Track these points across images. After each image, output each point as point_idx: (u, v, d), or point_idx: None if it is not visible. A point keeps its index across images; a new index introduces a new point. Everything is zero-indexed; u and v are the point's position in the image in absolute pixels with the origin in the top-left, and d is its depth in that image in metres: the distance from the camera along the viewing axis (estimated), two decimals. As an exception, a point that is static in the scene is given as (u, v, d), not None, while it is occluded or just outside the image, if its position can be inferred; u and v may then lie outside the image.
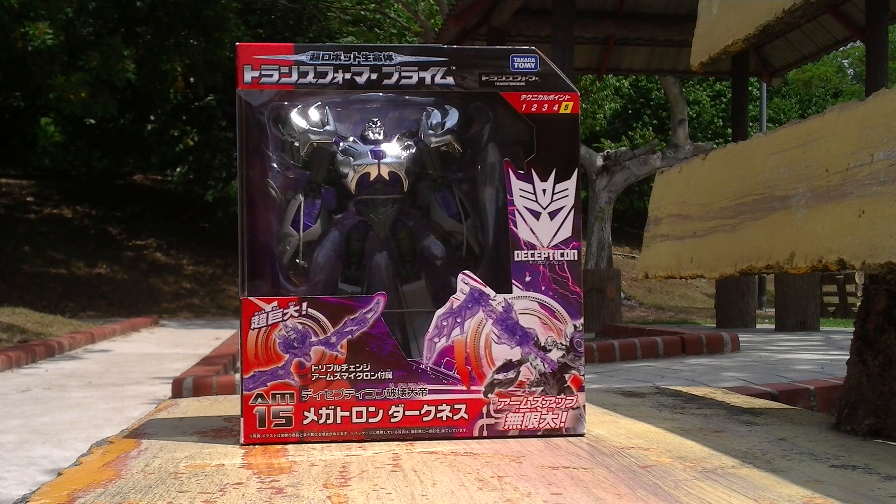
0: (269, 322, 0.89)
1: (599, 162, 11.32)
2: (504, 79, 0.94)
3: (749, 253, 1.08)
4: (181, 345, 7.79)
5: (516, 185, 0.93)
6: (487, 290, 0.92)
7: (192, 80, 13.34)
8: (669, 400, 1.21)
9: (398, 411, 0.90)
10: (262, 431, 0.89)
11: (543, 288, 0.93)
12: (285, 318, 0.89)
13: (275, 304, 0.89)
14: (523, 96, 0.94)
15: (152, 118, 15.52)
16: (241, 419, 0.89)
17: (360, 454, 0.84)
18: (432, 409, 0.91)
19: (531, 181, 0.93)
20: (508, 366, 0.92)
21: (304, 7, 15.83)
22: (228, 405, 1.17)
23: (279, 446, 0.89)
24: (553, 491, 0.69)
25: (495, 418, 0.92)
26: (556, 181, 0.94)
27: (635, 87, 18.68)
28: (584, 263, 9.45)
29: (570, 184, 0.94)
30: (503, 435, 0.92)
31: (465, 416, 0.91)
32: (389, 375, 0.90)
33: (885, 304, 1.00)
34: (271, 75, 0.92)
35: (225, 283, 14.10)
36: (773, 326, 8.25)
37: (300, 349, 0.89)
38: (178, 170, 15.63)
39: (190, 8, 12.55)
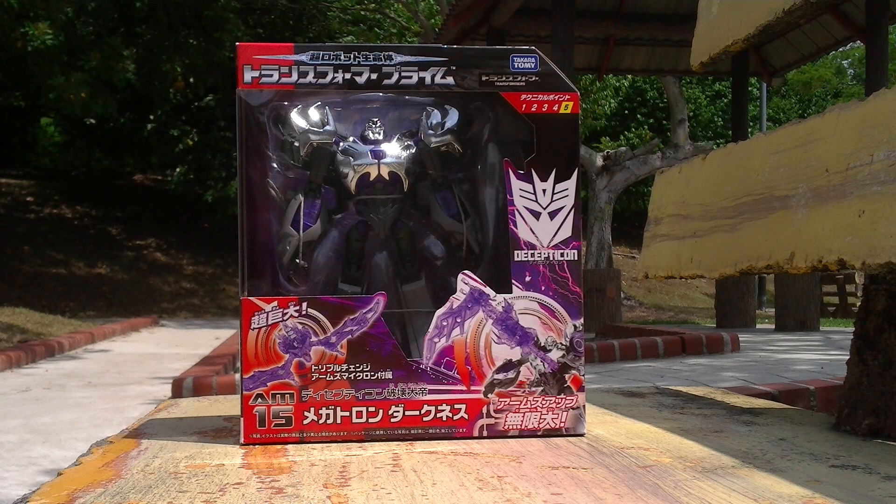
0: (269, 322, 0.89)
1: (599, 162, 11.32)
2: (504, 79, 0.94)
3: (749, 253, 1.08)
4: (181, 345, 7.79)
5: (516, 185, 0.93)
6: (487, 290, 0.92)
7: (192, 80, 13.33)
8: (669, 400, 1.21)
9: (398, 411, 0.90)
10: (262, 431, 0.89)
11: (543, 288, 0.93)
12: (285, 318, 0.89)
13: (275, 304, 0.89)
14: (523, 96, 0.94)
15: (152, 118, 15.51)
16: (241, 419, 0.89)
17: (360, 454, 0.84)
18: (432, 409, 0.91)
19: (531, 181, 0.93)
20: (508, 366, 0.92)
21: (304, 7, 15.82)
22: (228, 405, 1.17)
23: (279, 446, 0.89)
24: (553, 491, 0.69)
25: (495, 418, 0.92)
26: (556, 181, 0.94)
27: (632, 86, 18.68)
28: (584, 263, 9.46)
29: (570, 184, 0.94)
30: (503, 435, 0.92)
31: (465, 416, 0.91)
32: (389, 375, 0.90)
33: (885, 304, 1.00)
34: (271, 75, 0.92)
35: (225, 283, 14.10)
36: (773, 326, 8.25)
37: (300, 349, 0.89)
38: (177, 170, 15.61)
39: (190, 8, 12.54)
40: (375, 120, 0.95)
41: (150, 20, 12.62)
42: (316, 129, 0.94)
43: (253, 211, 0.92)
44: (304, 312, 0.89)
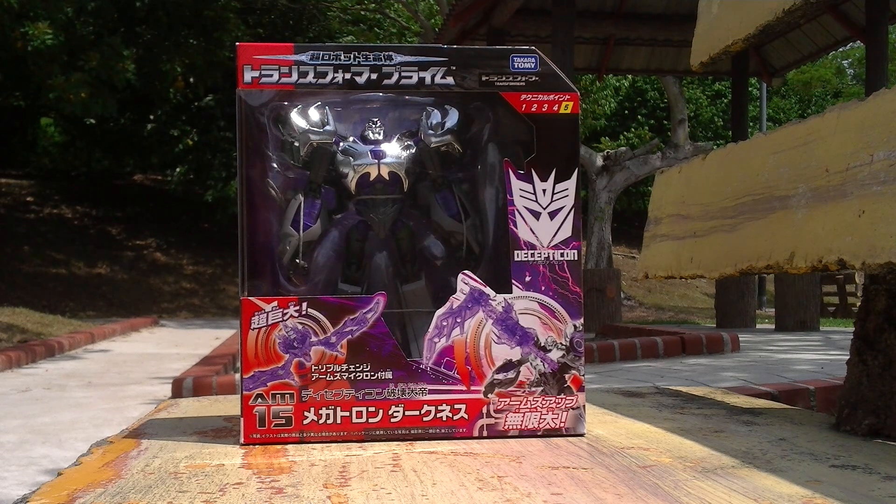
0: (269, 322, 0.89)
1: (599, 162, 11.32)
2: (504, 79, 0.94)
3: (749, 253, 1.08)
4: (181, 345, 7.79)
5: (516, 185, 0.93)
6: (487, 290, 0.92)
7: (192, 80, 13.33)
8: (669, 400, 1.21)
9: (398, 411, 0.90)
10: (262, 431, 0.89)
11: (543, 288, 0.93)
12: (285, 318, 0.89)
13: (275, 304, 0.89)
14: (523, 96, 0.94)
15: (152, 118, 15.51)
16: (241, 419, 0.89)
17: (360, 454, 0.84)
18: (432, 409, 0.91)
19: (531, 181, 0.93)
20: (508, 366, 0.92)
21: (304, 7, 15.82)
22: (228, 405, 1.17)
23: (279, 446, 0.89)
24: (553, 491, 0.69)
25: (495, 418, 0.92)
26: (556, 181, 0.94)
27: (632, 86, 18.68)
28: (584, 263, 9.46)
29: (570, 184, 0.94)
30: (503, 435, 0.92)
31: (465, 416, 0.91)
32: (389, 375, 0.90)
33: (885, 304, 1.00)
34: (271, 75, 0.92)
35: (225, 283, 14.10)
36: (773, 326, 8.25)
37: (300, 349, 0.89)
38: (177, 170, 15.62)
39: (190, 8, 12.54)
40: (375, 120, 0.95)
41: (150, 20, 12.62)
42: (316, 129, 0.94)
43: (253, 211, 0.92)
44: (304, 312, 0.89)
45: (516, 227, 0.93)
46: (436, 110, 0.96)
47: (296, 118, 0.94)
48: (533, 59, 0.95)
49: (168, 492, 0.70)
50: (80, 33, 10.95)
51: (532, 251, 0.93)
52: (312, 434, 0.90)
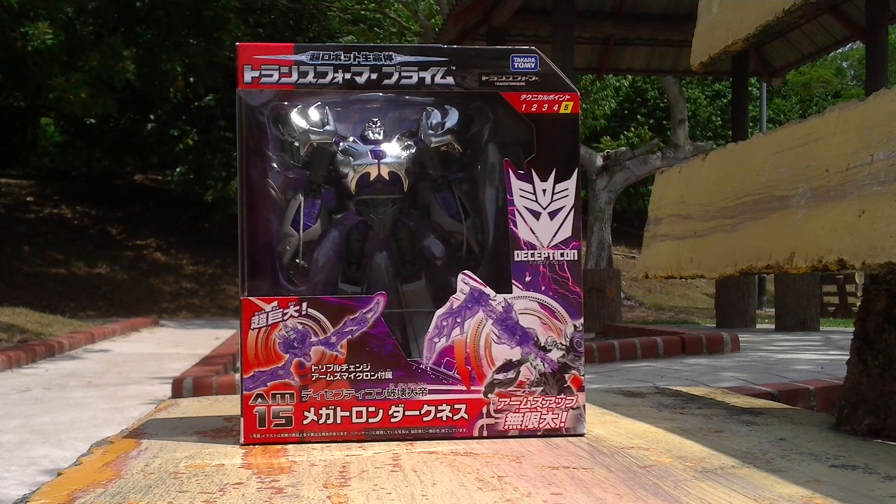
0: (269, 322, 0.89)
1: (599, 162, 11.32)
2: (504, 79, 0.94)
3: (749, 253, 1.08)
4: (181, 345, 7.79)
5: (516, 185, 0.93)
6: (487, 290, 0.92)
7: (192, 80, 13.33)
8: (669, 400, 1.21)
9: (398, 411, 0.90)
10: (262, 431, 0.89)
11: (543, 288, 0.93)
12: (285, 318, 0.89)
13: (275, 304, 0.89)
14: (523, 96, 0.94)
15: (152, 118, 15.51)
16: (241, 419, 0.89)
17: (360, 454, 0.84)
18: (432, 409, 0.91)
19: (531, 181, 0.94)
20: (508, 366, 0.92)
21: (304, 7, 15.83)
22: (228, 405, 1.17)
23: (279, 446, 0.89)
24: (553, 491, 0.69)
25: (495, 418, 0.92)
26: (556, 181, 0.94)
27: (632, 86, 18.68)
28: (584, 263, 9.45)
29: (570, 184, 0.94)
30: (503, 435, 0.92)
31: (465, 416, 0.91)
32: (389, 375, 0.90)
33: (885, 304, 1.00)
34: (271, 75, 0.92)
35: (225, 283, 14.10)
36: (773, 326, 8.25)
37: (300, 349, 0.89)
38: (177, 170, 15.62)
39: (190, 8, 12.54)
40: (375, 120, 0.95)
41: (150, 20, 12.61)
42: (316, 129, 0.94)
43: (253, 211, 0.92)
44: (304, 312, 0.89)
45: (516, 227, 0.93)
46: (436, 110, 0.96)
47: (296, 118, 0.94)
48: (533, 59, 0.95)
49: (168, 492, 0.70)
50: (80, 33, 10.94)
51: (532, 251, 0.93)
52: (312, 434, 0.90)
